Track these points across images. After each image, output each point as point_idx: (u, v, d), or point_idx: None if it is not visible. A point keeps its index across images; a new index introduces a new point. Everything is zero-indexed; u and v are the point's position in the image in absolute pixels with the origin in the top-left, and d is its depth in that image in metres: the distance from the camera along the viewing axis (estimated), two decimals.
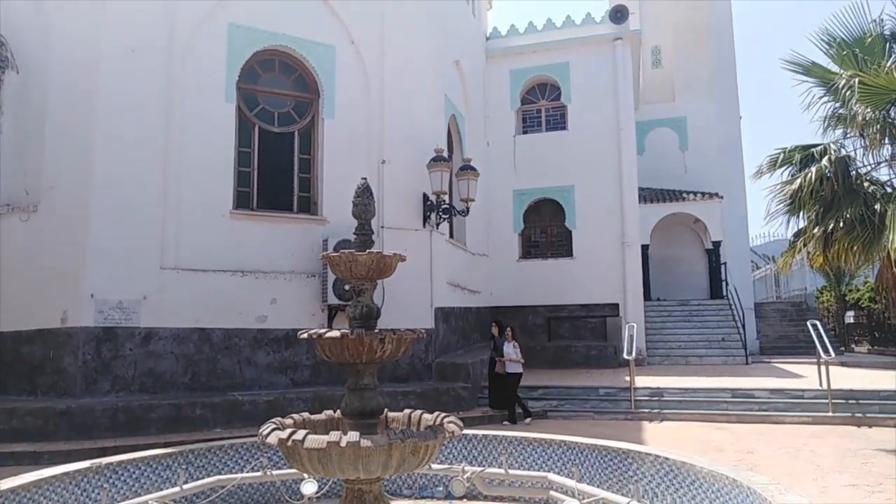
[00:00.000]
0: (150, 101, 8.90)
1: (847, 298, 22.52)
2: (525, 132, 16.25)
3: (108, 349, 8.38)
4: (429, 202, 11.06)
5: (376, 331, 3.92)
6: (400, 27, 11.14)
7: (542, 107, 16.24)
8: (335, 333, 3.78)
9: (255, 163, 10.07)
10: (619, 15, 15.47)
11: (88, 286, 8.34)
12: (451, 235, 13.06)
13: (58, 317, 8.41)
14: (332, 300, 9.64)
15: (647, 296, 15.92)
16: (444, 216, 11.34)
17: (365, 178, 4.71)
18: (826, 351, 9.77)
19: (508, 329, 9.98)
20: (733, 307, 15.77)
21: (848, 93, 8.47)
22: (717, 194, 17.49)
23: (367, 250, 4.10)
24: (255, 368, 9.37)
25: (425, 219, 11.05)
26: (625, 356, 10.51)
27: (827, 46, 9.19)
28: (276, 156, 10.34)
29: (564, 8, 61.66)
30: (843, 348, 18.48)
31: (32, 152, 8.92)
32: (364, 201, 4.42)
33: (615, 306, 14.88)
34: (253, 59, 9.95)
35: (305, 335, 3.92)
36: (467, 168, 11.60)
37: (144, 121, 8.83)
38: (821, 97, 9.23)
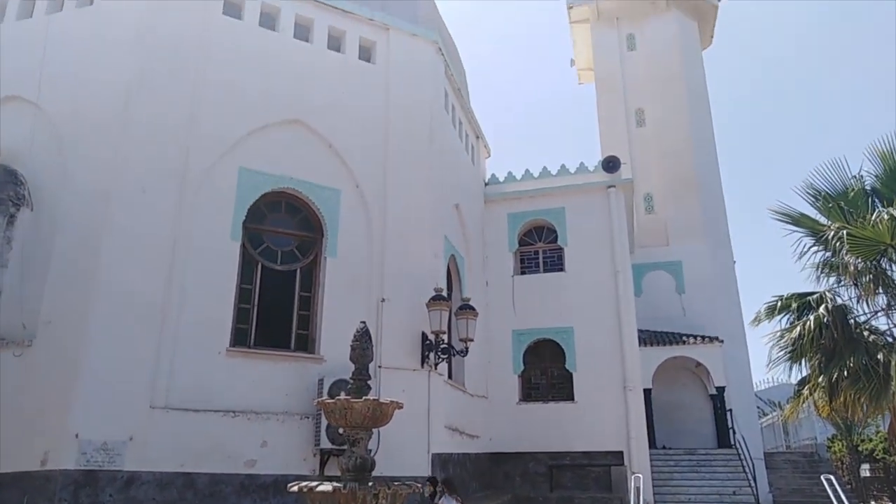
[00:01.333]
0: (158, 238, 9.09)
1: (860, 449, 21.66)
2: (523, 273, 16.49)
3: (87, 495, 7.89)
4: (427, 342, 10.97)
5: (370, 484, 3.72)
6: (403, 173, 11.67)
7: (539, 248, 16.62)
8: (327, 487, 3.58)
9: (256, 300, 10.11)
10: (611, 165, 16.27)
11: (74, 425, 8.01)
12: (450, 376, 12.81)
13: (38, 458, 8.00)
14: (325, 444, 9.25)
15: (651, 443, 15.32)
16: (442, 356, 11.19)
17: (364, 322, 4.71)
18: None
19: (442, 486, 8.77)
20: (742, 458, 15.13)
21: (838, 243, 8.72)
22: (717, 338, 17.42)
23: (364, 397, 4.00)
24: None
25: (424, 358, 10.90)
26: None
27: (813, 199, 9.59)
28: (276, 293, 10.41)
29: (557, 157, 65.25)
30: None
31: (34, 286, 8.96)
32: (362, 346, 4.39)
33: (619, 454, 14.26)
34: (261, 200, 10.31)
35: (295, 488, 3.72)
36: (466, 307, 11.63)
37: (150, 258, 8.97)
38: (811, 246, 9.48)
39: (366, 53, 12.13)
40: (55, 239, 9.08)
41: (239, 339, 9.74)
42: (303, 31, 11.50)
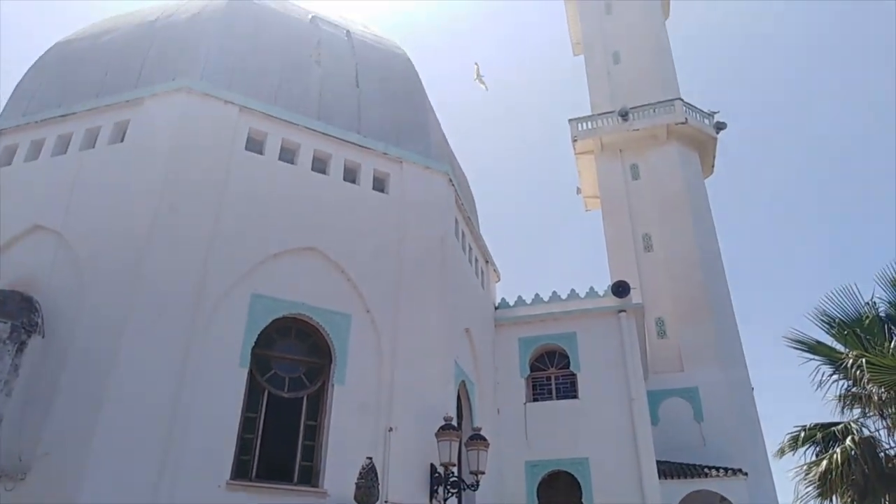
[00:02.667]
0: (167, 368, 9.03)
1: None
2: (535, 399, 16.06)
3: None
4: (436, 474, 10.50)
5: None
6: (414, 299, 11.76)
7: (551, 374, 16.30)
8: None
9: (260, 429, 9.85)
10: (620, 289, 16.33)
11: None
12: None
13: None
14: None
15: None
16: (452, 490, 10.66)
17: (370, 458, 4.54)
18: None
19: None
20: None
21: (858, 372, 8.51)
22: (741, 470, 16.54)
23: None
24: None
25: (432, 493, 10.38)
26: None
27: (828, 326, 9.49)
28: (281, 421, 10.15)
29: (567, 281, 65.75)
30: None
31: (37, 416, 8.79)
32: (368, 484, 4.21)
33: None
34: (271, 325, 10.34)
35: None
36: (477, 437, 11.23)
37: (156, 388, 8.86)
38: (831, 375, 9.26)
39: (380, 184, 12.65)
40: (65, 366, 9.03)
41: (240, 471, 9.38)
42: (320, 165, 12.08)
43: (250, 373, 9.93)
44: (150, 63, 12.57)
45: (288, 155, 11.81)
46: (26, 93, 13.22)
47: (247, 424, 9.72)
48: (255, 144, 11.50)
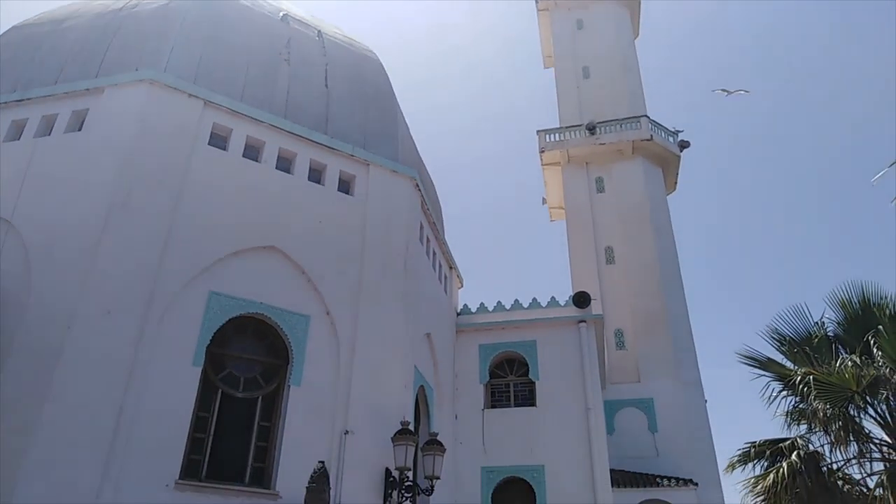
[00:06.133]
0: (116, 362, 8.78)
1: None
2: (494, 406, 16.10)
3: None
4: (391, 478, 10.44)
5: None
6: (375, 301, 11.69)
7: (510, 381, 16.37)
8: None
9: (212, 429, 9.65)
10: (581, 300, 16.50)
11: None
12: None
13: None
14: None
15: None
16: (406, 495, 10.59)
17: (322, 463, 4.48)
18: None
19: None
20: None
21: (805, 389, 8.76)
22: (691, 480, 16.89)
23: None
24: None
25: (386, 497, 10.32)
26: None
27: (778, 344, 9.75)
28: (234, 422, 9.97)
29: (530, 289, 66.33)
30: None
31: None
32: (319, 488, 4.16)
33: None
34: (227, 324, 10.15)
35: None
36: (434, 442, 11.20)
37: (104, 382, 8.60)
38: (780, 391, 9.51)
39: (345, 186, 12.57)
40: (9, 359, 8.69)
41: (190, 470, 9.18)
42: (285, 164, 11.95)
43: (204, 371, 9.72)
44: (112, 52, 12.25)
45: (252, 152, 11.65)
46: None
47: (198, 424, 9.52)
48: (218, 140, 11.31)
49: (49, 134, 10.92)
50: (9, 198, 10.17)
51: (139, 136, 10.42)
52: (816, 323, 10.05)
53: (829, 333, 10.03)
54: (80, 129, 10.81)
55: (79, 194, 9.86)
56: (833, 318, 10.13)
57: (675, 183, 26.60)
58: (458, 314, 17.29)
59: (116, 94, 10.94)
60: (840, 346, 9.88)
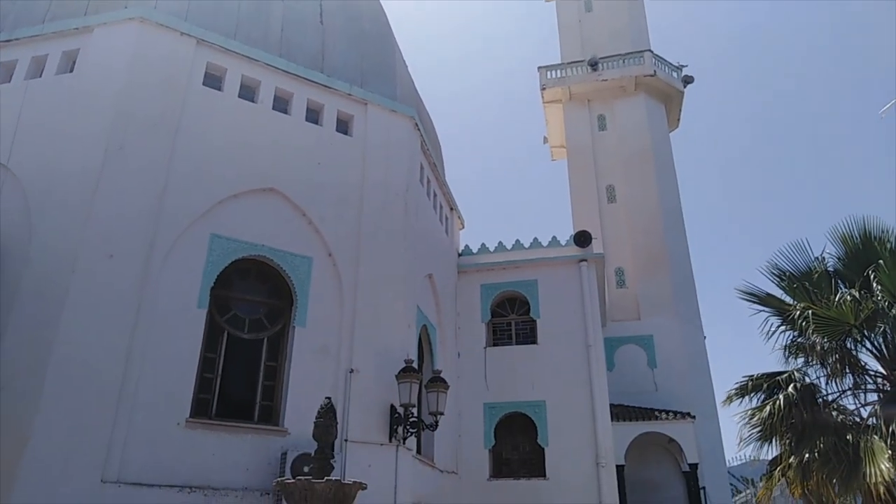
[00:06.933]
0: (120, 305, 8.85)
1: None
2: (496, 344, 16.37)
3: None
4: (396, 415, 10.70)
5: None
6: (376, 243, 11.70)
7: (512, 320, 16.58)
8: None
9: (220, 369, 9.83)
10: (582, 239, 16.53)
11: (21, 498, 7.52)
12: (419, 451, 12.45)
13: None
14: None
15: None
16: (411, 430, 10.90)
17: (329, 398, 4.58)
18: None
19: None
20: None
21: (804, 323, 8.85)
22: (689, 414, 17.32)
23: (325, 478, 3.84)
24: None
25: (392, 432, 10.60)
26: None
27: (778, 279, 9.79)
28: (241, 362, 10.15)
29: (531, 229, 66.37)
30: None
31: None
32: (326, 423, 4.26)
33: None
34: (230, 266, 10.19)
35: None
36: (437, 380, 11.44)
37: (111, 325, 8.70)
38: (778, 326, 9.61)
39: (343, 126, 12.37)
40: (15, 303, 8.78)
41: (200, 409, 9.39)
42: (282, 104, 11.72)
43: (209, 313, 9.83)
44: None
45: (248, 92, 11.41)
46: None
47: (206, 364, 9.69)
48: (213, 80, 11.06)
49: (40, 76, 10.66)
50: (4, 142, 10.03)
51: (132, 77, 10.19)
52: (817, 258, 10.07)
53: (829, 268, 10.06)
54: (71, 71, 10.56)
55: (74, 138, 9.71)
56: (833, 253, 10.15)
57: (678, 120, 26.22)
58: (460, 255, 17.36)
59: (106, 34, 10.62)
60: (840, 281, 9.93)
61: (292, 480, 3.70)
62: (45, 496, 7.67)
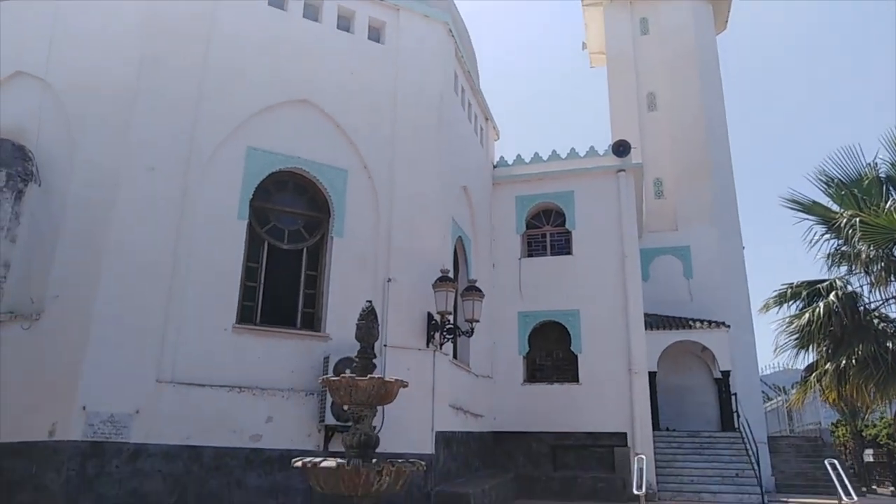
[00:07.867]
0: (164, 216, 9.11)
1: (864, 434, 21.65)
2: (531, 255, 16.44)
3: (94, 466, 8.01)
4: (433, 322, 10.99)
5: (374, 461, 3.74)
6: (411, 154, 11.61)
7: (547, 231, 16.55)
8: (331, 464, 3.61)
9: (262, 278, 10.15)
10: (621, 149, 16.14)
11: (81, 398, 8.11)
12: (455, 356, 12.86)
13: (46, 429, 8.11)
14: (330, 420, 9.32)
15: (655, 425, 15.37)
16: (448, 336, 11.22)
17: (370, 301, 4.71)
18: (847, 493, 9.27)
19: None
20: (746, 441, 15.15)
21: (850, 231, 8.63)
22: (723, 323, 17.38)
23: (369, 375, 4.01)
24: (246, 492, 8.89)
25: (429, 339, 10.93)
26: (634, 491, 9.98)
27: (825, 186, 9.48)
28: (282, 272, 10.43)
29: (568, 140, 64.81)
30: (864, 489, 17.56)
31: (42, 262, 9.04)
32: (368, 324, 4.39)
33: (623, 435, 14.33)
34: (268, 179, 10.29)
35: (299, 463, 3.74)
36: (472, 289, 11.64)
37: (156, 234, 9.00)
38: (823, 234, 9.40)
39: (375, 34, 12.02)
40: (64, 214, 9.12)
41: (245, 316, 9.79)
42: (312, 12, 11.40)
43: (249, 225, 10.04)
44: None
45: (278, 0, 11.11)
46: None
47: (249, 274, 10.00)
48: None
49: None
50: (38, 57, 10.07)
51: None
52: (868, 164, 9.67)
53: (881, 175, 9.67)
54: None
55: (109, 50, 9.71)
56: (887, 159, 9.71)
57: (726, 22, 24.72)
58: (495, 166, 17.17)
59: None
60: (892, 188, 9.56)
61: (337, 378, 3.87)
62: (107, 396, 8.22)
